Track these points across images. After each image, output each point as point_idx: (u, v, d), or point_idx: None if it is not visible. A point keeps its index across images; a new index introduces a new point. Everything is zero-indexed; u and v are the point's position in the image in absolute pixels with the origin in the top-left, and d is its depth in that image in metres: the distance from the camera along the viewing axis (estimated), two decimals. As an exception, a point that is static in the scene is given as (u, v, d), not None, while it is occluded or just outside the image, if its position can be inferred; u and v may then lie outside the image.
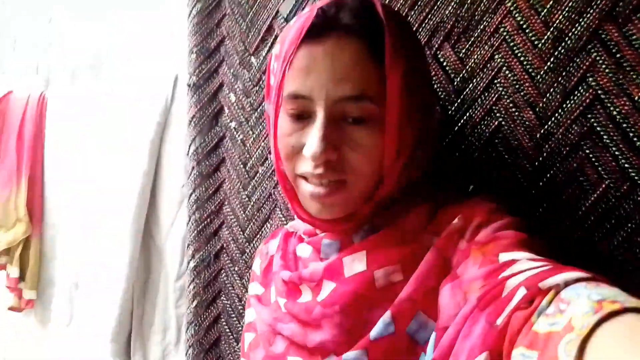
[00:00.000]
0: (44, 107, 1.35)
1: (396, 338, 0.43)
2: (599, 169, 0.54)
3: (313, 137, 0.45)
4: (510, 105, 0.59)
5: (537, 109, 0.57)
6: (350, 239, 0.50)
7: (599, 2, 0.53)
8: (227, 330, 0.85)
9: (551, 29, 0.56)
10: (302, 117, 0.47)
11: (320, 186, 0.46)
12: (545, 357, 0.30)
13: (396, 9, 0.66)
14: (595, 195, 0.54)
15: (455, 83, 0.63)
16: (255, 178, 0.81)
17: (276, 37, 0.77)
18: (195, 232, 0.85)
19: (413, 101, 0.47)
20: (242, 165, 0.82)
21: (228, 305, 0.85)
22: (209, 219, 0.85)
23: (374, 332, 0.44)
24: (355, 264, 0.47)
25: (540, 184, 0.57)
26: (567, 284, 0.33)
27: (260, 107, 0.80)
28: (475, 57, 0.61)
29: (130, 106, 1.13)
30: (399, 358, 0.43)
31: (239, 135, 0.82)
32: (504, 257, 0.40)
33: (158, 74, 1.10)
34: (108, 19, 1.35)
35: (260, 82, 0.79)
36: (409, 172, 0.49)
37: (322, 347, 0.47)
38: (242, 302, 0.83)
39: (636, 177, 0.52)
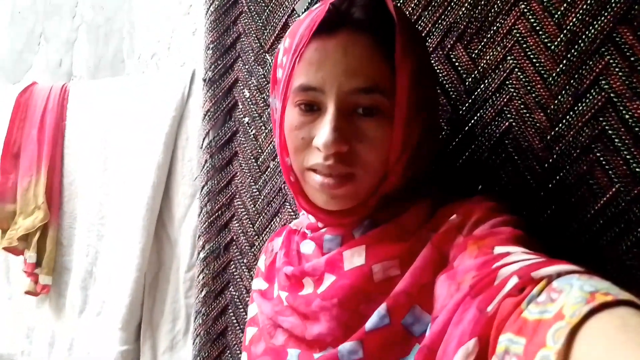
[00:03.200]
0: (65, 98, 1.39)
1: (391, 329, 0.44)
2: (610, 172, 0.53)
3: (325, 128, 0.45)
4: (522, 106, 0.59)
5: (549, 111, 0.57)
6: (351, 233, 0.51)
7: (613, 5, 0.53)
8: (234, 321, 0.86)
9: (564, 32, 0.56)
10: (312, 109, 0.48)
11: (329, 177, 0.47)
12: (533, 343, 0.30)
13: (410, 9, 0.67)
14: (604, 198, 0.54)
15: (466, 83, 0.63)
16: (266, 172, 0.82)
17: (291, 34, 0.78)
18: (206, 223, 0.87)
19: (420, 97, 0.48)
20: (253, 160, 0.83)
21: (236, 297, 0.86)
22: (220, 212, 0.86)
23: (369, 324, 0.44)
24: (354, 258, 0.48)
25: (550, 185, 0.57)
26: (559, 275, 0.33)
27: (274, 103, 0.81)
28: (488, 57, 0.61)
29: (149, 100, 1.15)
30: (393, 349, 0.44)
31: (251, 130, 0.84)
32: (499, 250, 0.40)
33: (178, 69, 1.13)
34: (132, 14, 1.38)
35: (275, 79, 0.80)
36: (413, 168, 0.50)
37: (319, 339, 0.48)
38: (250, 294, 0.84)
39: (646, 182, 0.51)
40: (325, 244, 0.52)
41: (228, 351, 0.87)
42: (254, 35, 0.83)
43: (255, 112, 0.83)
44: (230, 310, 0.87)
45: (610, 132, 0.53)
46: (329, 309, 0.47)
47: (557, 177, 0.56)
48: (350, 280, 0.47)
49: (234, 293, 0.86)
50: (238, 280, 0.86)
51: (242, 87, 0.84)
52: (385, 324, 0.44)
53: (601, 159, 0.54)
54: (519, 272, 0.35)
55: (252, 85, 0.83)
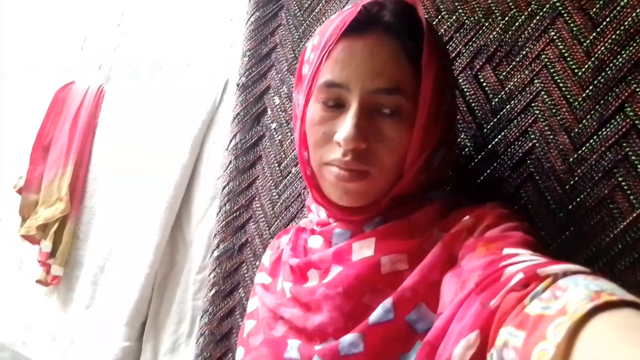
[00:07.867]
0: (101, 97, 1.45)
1: (395, 325, 0.44)
2: (631, 197, 0.54)
3: (347, 124, 0.47)
4: (546, 128, 0.60)
5: (572, 134, 0.58)
6: (362, 229, 0.52)
7: (642, 36, 0.54)
8: (240, 323, 0.86)
9: (592, 59, 0.58)
10: (335, 106, 0.50)
11: (346, 171, 0.48)
12: (532, 337, 0.29)
13: (442, 30, 0.70)
14: (624, 223, 0.54)
15: (493, 103, 0.64)
16: (288, 177, 0.84)
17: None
18: (224, 223, 0.88)
19: (441, 103, 0.50)
20: (276, 164, 0.86)
21: (244, 299, 0.86)
22: (238, 212, 0.88)
23: (373, 317, 0.44)
24: (363, 250, 0.49)
25: (569, 207, 0.57)
26: (565, 274, 0.33)
27: (302, 111, 0.84)
28: (515, 80, 0.63)
29: (181, 104, 1.20)
30: (395, 345, 0.43)
31: (277, 136, 0.86)
32: (507, 251, 0.40)
33: (212, 77, 1.17)
34: (173, 25, 1.45)
35: (305, 88, 0.83)
36: (427, 172, 0.51)
37: (320, 330, 0.48)
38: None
39: (668, 209, 0.51)
40: (334, 238, 0.53)
41: (230, 354, 0.86)
42: (289, 47, 0.86)
43: (283, 119, 0.86)
44: (237, 313, 0.87)
45: (633, 157, 0.54)
46: (332, 298, 0.47)
47: (578, 200, 0.57)
48: (357, 270, 0.48)
49: (243, 295, 0.86)
50: (248, 282, 0.86)
51: (272, 95, 0.88)
52: (389, 318, 0.44)
53: (623, 183, 0.54)
54: (525, 269, 0.36)
55: (282, 93, 0.86)
